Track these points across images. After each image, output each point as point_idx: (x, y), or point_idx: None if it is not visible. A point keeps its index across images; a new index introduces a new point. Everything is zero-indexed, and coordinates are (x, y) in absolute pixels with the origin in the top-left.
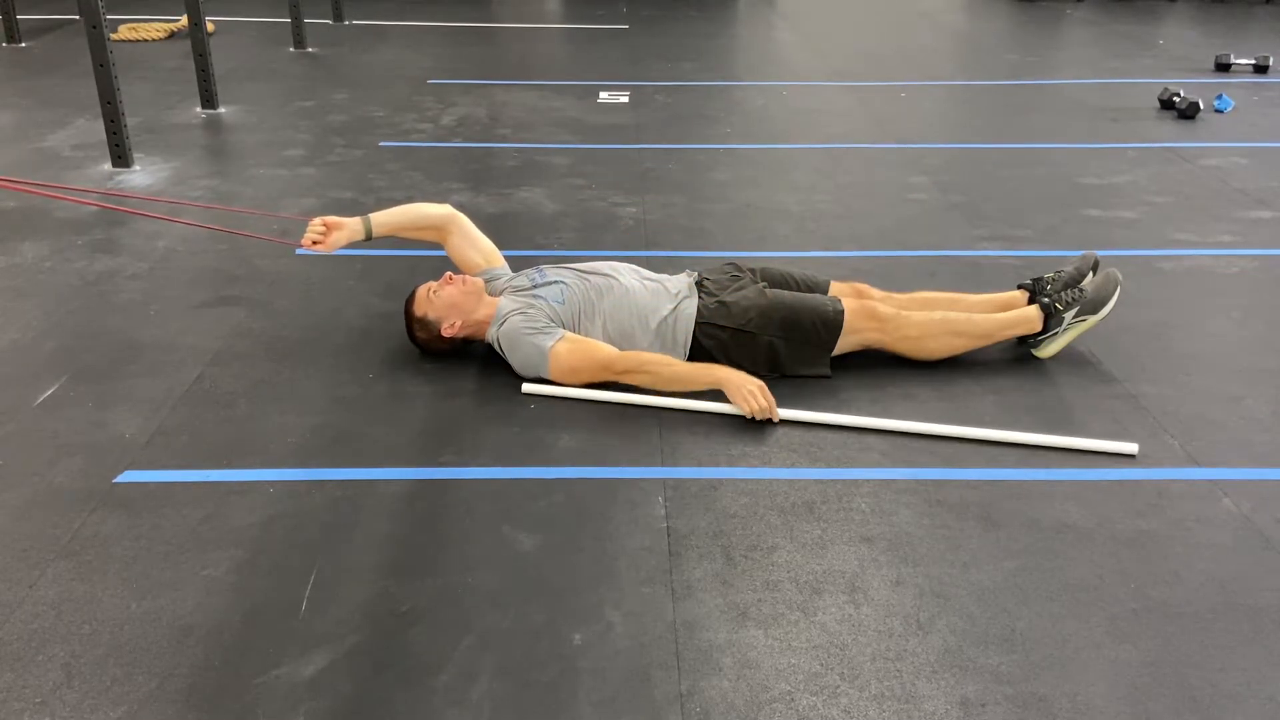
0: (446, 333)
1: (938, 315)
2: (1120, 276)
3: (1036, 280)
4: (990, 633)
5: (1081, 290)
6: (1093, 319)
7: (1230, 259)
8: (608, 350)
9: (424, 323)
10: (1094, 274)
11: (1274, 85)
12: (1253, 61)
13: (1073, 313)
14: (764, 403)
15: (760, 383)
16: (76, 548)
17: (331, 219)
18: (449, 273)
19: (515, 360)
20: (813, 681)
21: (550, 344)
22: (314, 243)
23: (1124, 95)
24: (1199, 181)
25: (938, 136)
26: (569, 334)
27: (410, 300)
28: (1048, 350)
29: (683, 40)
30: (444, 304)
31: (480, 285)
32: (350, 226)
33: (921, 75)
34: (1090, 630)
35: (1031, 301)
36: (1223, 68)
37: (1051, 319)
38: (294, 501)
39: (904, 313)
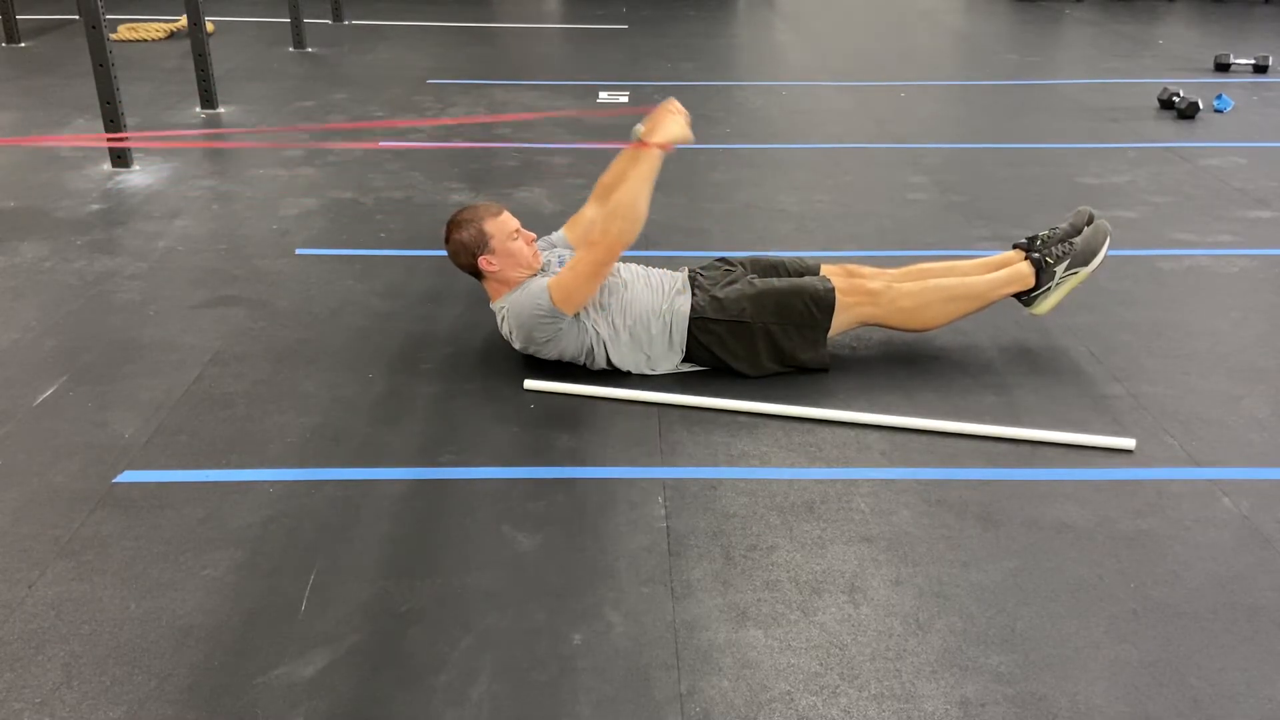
0: (482, 264)
1: (931, 283)
2: (1109, 226)
3: (1031, 239)
4: (990, 633)
5: (1072, 244)
6: (1084, 270)
7: (1230, 259)
8: (582, 254)
9: (481, 239)
10: (1089, 228)
11: (1273, 85)
12: (1252, 61)
13: (1064, 265)
14: (680, 113)
15: (674, 104)
16: (76, 548)
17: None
18: (535, 235)
19: (514, 321)
20: (812, 681)
21: (544, 282)
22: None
23: (1124, 95)
24: (1199, 181)
25: (938, 136)
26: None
27: (494, 213)
28: (1044, 306)
29: (683, 40)
30: (508, 249)
31: (539, 268)
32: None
33: (921, 75)
34: (1090, 630)
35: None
36: (1222, 68)
37: (1043, 273)
38: (294, 501)
39: (895, 285)
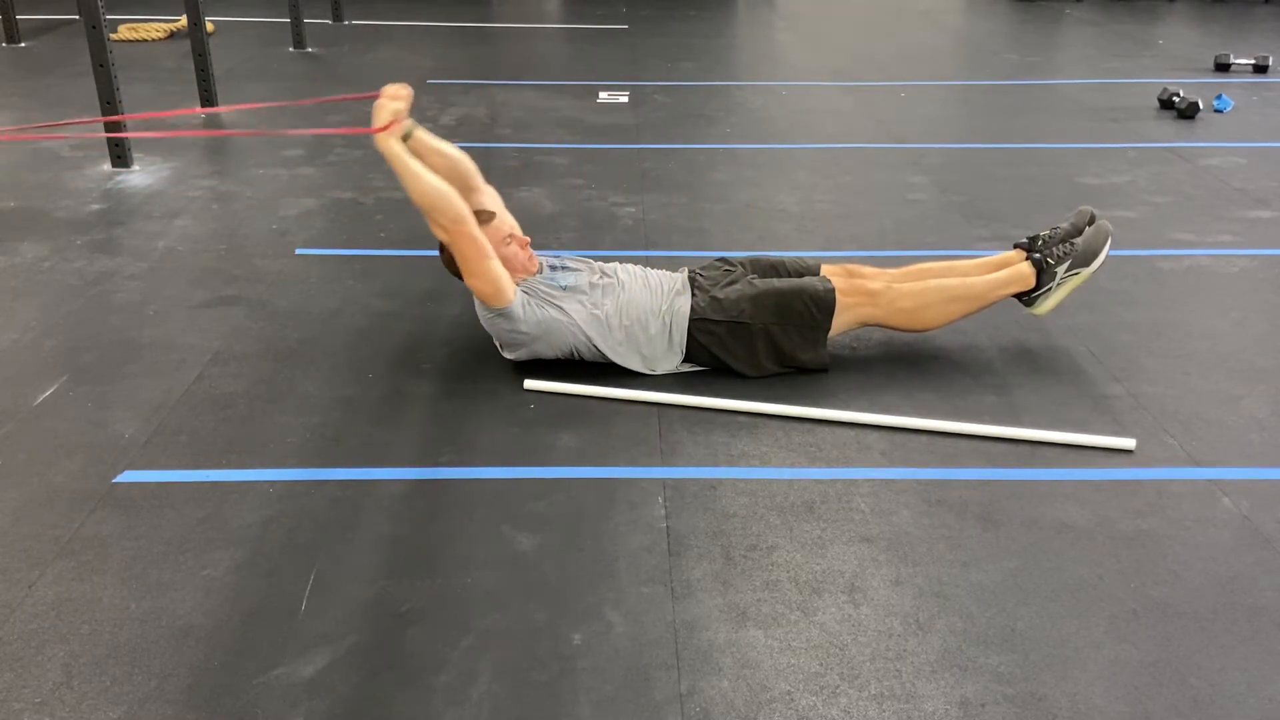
0: None
1: (931, 283)
2: (1110, 227)
3: (1032, 238)
4: (990, 633)
5: (1073, 244)
6: (1085, 271)
7: (1230, 259)
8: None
9: None
10: (1090, 229)
11: (1273, 85)
12: (1252, 61)
13: (1064, 266)
14: (391, 95)
15: (387, 90)
16: (76, 548)
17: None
18: (529, 239)
19: (490, 331)
20: (812, 681)
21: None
22: (396, 97)
23: (1124, 95)
24: (1199, 181)
25: (938, 136)
26: None
27: (485, 220)
28: (1044, 306)
29: (683, 40)
30: (501, 255)
31: (534, 269)
32: (404, 115)
33: (921, 75)
34: (1090, 630)
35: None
36: (1222, 68)
37: (1044, 274)
38: (294, 501)
39: (895, 285)
